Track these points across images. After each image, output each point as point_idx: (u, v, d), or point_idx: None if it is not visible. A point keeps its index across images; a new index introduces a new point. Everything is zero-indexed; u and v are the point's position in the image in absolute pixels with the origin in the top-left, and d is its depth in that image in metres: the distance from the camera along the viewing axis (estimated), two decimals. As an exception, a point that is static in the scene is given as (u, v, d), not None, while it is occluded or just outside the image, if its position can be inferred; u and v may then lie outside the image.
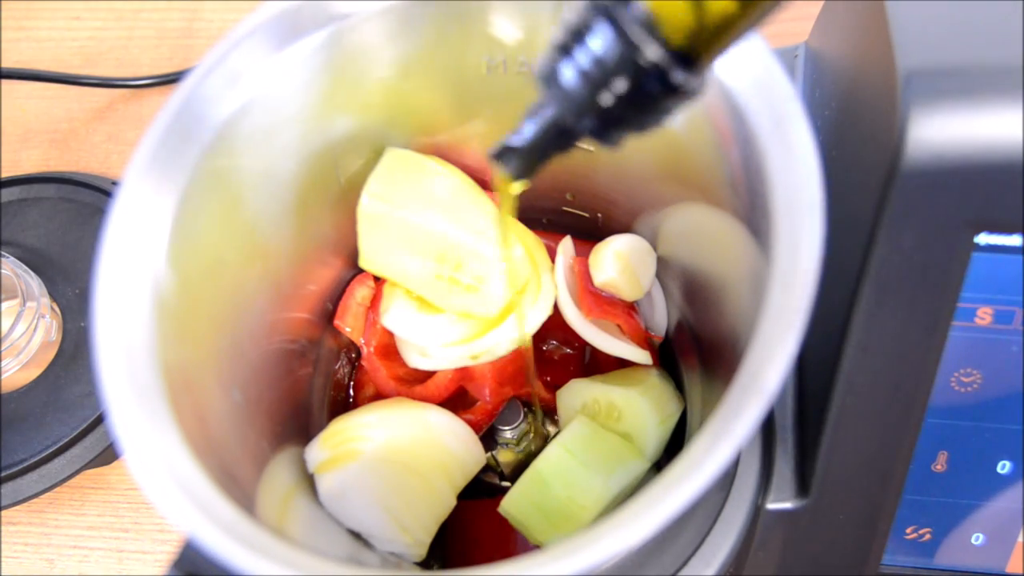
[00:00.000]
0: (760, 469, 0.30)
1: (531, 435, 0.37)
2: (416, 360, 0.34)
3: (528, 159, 0.21)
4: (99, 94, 0.59)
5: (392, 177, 0.32)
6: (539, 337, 0.35)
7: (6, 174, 0.53)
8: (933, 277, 0.26)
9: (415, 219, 0.32)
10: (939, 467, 0.30)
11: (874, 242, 0.26)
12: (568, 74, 0.19)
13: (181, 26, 0.61)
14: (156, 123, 0.25)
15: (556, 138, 0.21)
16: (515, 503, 0.31)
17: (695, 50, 0.18)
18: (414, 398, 0.35)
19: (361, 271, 0.35)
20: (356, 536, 0.31)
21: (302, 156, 0.30)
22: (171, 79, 0.58)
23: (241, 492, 0.24)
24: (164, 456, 0.22)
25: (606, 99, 0.19)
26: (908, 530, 0.31)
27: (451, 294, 0.33)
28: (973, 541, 0.31)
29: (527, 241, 0.34)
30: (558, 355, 0.38)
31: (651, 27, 0.18)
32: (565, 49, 0.19)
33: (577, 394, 0.34)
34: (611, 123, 0.20)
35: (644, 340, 0.35)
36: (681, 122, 0.27)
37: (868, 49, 0.28)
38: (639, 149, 0.31)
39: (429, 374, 0.36)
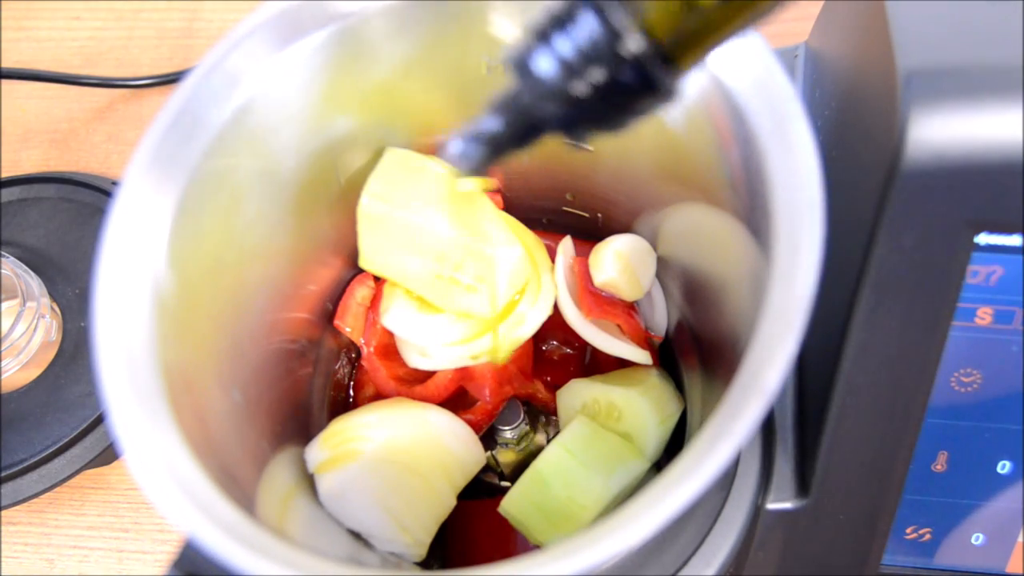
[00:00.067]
0: (760, 469, 0.30)
1: (531, 435, 0.37)
2: (416, 360, 0.34)
3: (488, 154, 0.20)
4: (99, 94, 0.59)
5: (392, 177, 0.32)
6: (539, 337, 0.35)
7: (6, 174, 0.53)
8: (933, 277, 0.26)
9: (415, 219, 0.32)
10: (939, 467, 0.30)
11: (874, 242, 0.26)
12: (543, 62, 0.18)
13: (181, 26, 0.61)
14: (156, 123, 0.25)
15: (521, 131, 0.20)
16: (515, 503, 0.31)
17: (678, 48, 0.18)
18: (414, 398, 0.35)
19: (361, 271, 0.35)
20: (356, 536, 0.31)
21: (302, 156, 0.30)
22: (171, 79, 0.58)
23: (241, 492, 0.24)
24: (164, 456, 0.22)
25: (579, 88, 0.18)
26: (908, 530, 0.31)
27: (451, 294, 0.33)
28: (973, 541, 0.31)
29: (527, 241, 0.34)
30: (558, 355, 0.38)
31: (637, 19, 0.17)
32: (543, 35, 0.18)
33: (577, 394, 0.34)
34: (580, 117, 0.19)
35: (644, 340, 0.35)
36: (681, 122, 0.27)
37: (868, 49, 0.28)
38: (639, 149, 0.31)
39: (429, 374, 0.36)
